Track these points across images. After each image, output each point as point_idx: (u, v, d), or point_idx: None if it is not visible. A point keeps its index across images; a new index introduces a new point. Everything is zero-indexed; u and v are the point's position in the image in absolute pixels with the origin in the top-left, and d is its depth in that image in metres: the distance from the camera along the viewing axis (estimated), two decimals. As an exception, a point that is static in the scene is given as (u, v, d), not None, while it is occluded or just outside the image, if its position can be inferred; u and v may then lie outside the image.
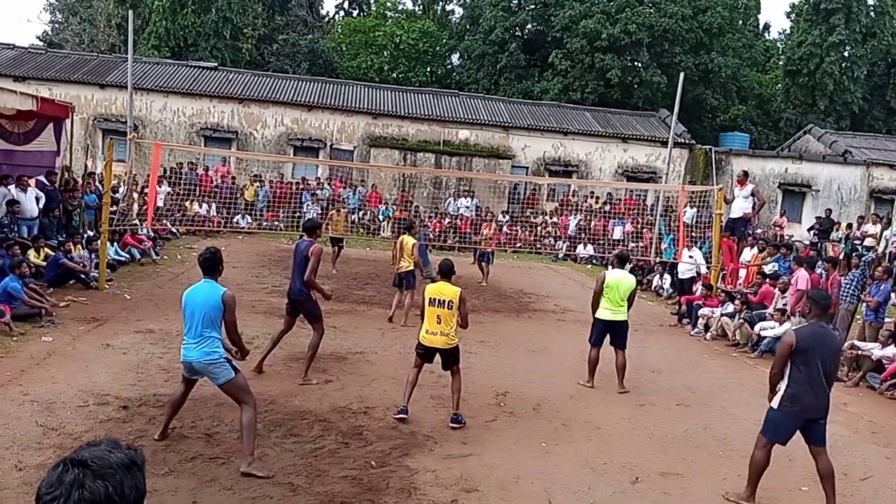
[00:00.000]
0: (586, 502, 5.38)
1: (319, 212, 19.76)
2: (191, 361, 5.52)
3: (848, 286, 11.49)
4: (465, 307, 6.83)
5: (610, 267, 9.64)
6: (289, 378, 7.83)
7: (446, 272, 6.98)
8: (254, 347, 8.41)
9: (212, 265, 5.64)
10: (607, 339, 8.56)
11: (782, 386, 5.42)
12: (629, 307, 8.57)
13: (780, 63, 39.74)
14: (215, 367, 5.47)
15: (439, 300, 6.76)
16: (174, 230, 18.62)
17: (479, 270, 16.40)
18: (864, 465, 6.73)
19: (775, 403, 5.45)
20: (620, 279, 8.51)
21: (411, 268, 11.36)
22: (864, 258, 13.36)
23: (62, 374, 7.27)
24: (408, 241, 11.42)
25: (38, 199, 13.09)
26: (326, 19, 46.50)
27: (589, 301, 8.92)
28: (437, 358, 6.93)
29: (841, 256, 14.97)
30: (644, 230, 21.55)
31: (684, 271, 15.02)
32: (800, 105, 35.90)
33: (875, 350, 10.00)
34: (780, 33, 46.27)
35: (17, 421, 5.96)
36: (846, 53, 34.32)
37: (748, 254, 14.97)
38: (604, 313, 8.47)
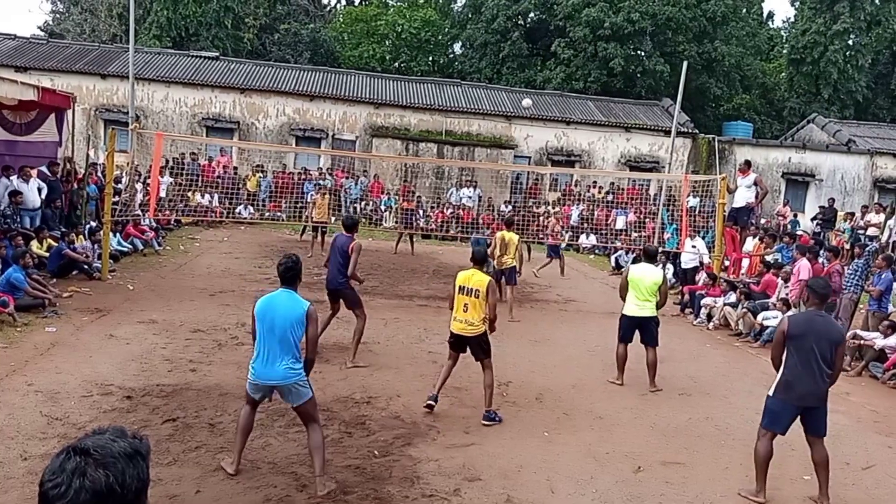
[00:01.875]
0: (588, 491, 5.40)
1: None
2: (274, 382, 5.04)
3: (851, 276, 11.46)
4: (493, 297, 6.64)
5: (630, 260, 9.61)
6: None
7: (479, 260, 6.86)
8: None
9: (293, 275, 5.22)
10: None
11: (778, 373, 5.45)
12: (662, 304, 8.26)
13: (784, 52, 39.50)
14: (300, 386, 5.05)
15: (468, 289, 6.64)
16: (178, 219, 18.64)
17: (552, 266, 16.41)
18: (866, 455, 6.74)
19: (771, 391, 5.48)
20: (645, 273, 8.22)
21: (514, 264, 11.70)
22: (867, 248, 13.33)
23: (66, 365, 7.29)
24: (512, 237, 11.73)
25: (39, 190, 13.10)
26: (328, 8, 46.29)
27: (592, 291, 8.92)
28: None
29: (846, 246, 14.94)
30: (647, 220, 21.52)
31: (687, 261, 15.02)
32: (803, 94, 35.72)
33: (878, 339, 10.00)
34: (784, 21, 45.88)
35: (21, 411, 5.98)
36: (850, 42, 34.09)
37: (751, 243, 14.95)
38: (630, 309, 8.24)
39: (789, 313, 5.97)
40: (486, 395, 6.71)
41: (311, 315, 5.06)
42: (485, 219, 22.03)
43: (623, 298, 8.38)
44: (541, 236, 22.13)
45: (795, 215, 24.04)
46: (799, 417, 5.45)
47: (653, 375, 8.22)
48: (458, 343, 6.82)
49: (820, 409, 5.44)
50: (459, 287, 6.71)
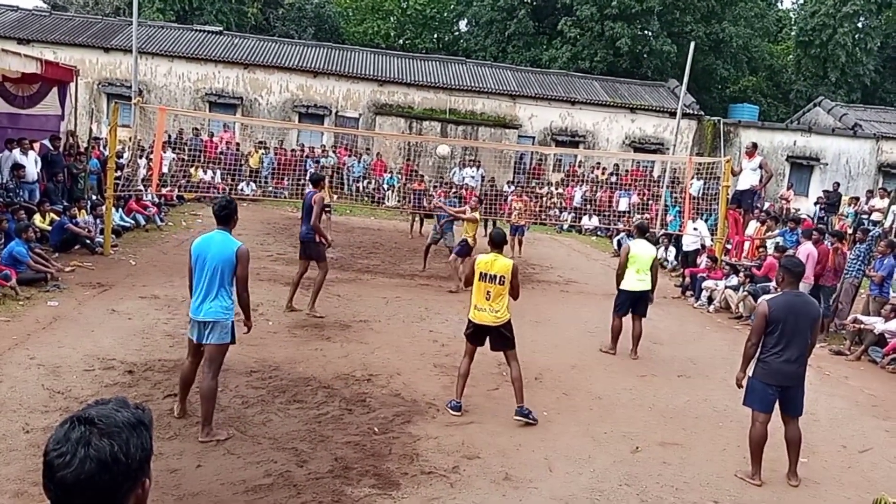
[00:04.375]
0: (586, 470, 5.44)
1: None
2: (200, 317, 5.26)
3: (853, 260, 11.45)
4: (517, 279, 6.27)
5: (628, 238, 9.78)
6: (293, 345, 7.89)
7: (498, 242, 6.43)
8: (258, 314, 8.48)
9: (227, 214, 5.38)
10: None
11: (756, 354, 5.48)
12: (655, 278, 8.81)
13: (792, 34, 39.07)
14: (222, 327, 5.27)
15: (491, 275, 6.20)
16: (180, 195, 18.62)
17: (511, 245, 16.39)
18: (863, 438, 6.78)
19: (751, 371, 5.53)
20: (644, 250, 8.75)
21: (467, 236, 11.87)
22: (870, 233, 13.29)
23: (68, 339, 7.33)
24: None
25: (35, 162, 13.05)
26: (333, -16, 45.82)
27: (594, 273, 8.97)
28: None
29: (850, 231, 14.90)
30: (650, 202, 21.45)
31: (689, 243, 15.00)
32: (811, 77, 35.40)
33: (878, 324, 10.01)
34: (793, 3, 45.39)
35: (23, 384, 6.02)
36: (860, 24, 33.69)
37: (753, 227, 14.91)
38: (631, 284, 8.65)
39: (766, 297, 5.93)
40: (515, 390, 6.18)
41: (241, 255, 5.24)
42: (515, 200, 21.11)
43: (620, 277, 8.72)
44: (542, 217, 22.16)
45: (787, 200, 23.79)
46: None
47: (637, 344, 8.71)
48: (477, 334, 6.32)
49: (798, 389, 5.51)
50: (481, 274, 6.23)
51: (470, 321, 6.35)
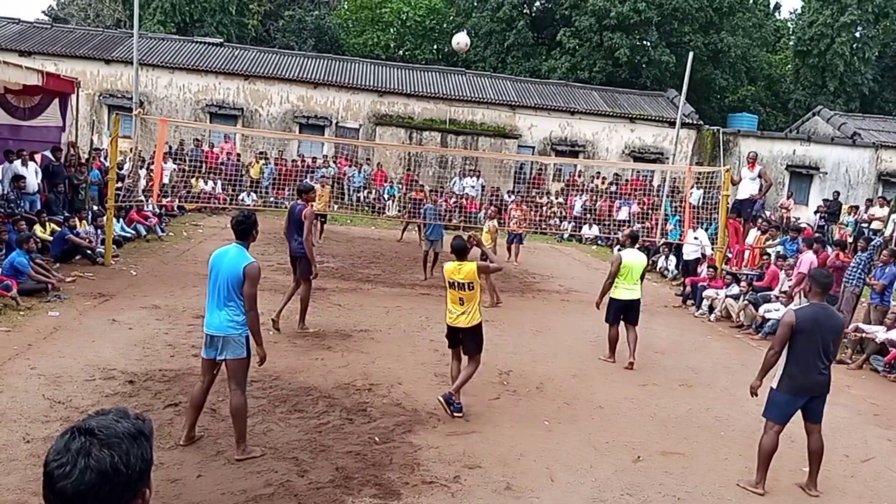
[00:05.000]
0: (588, 480, 5.42)
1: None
2: (213, 331, 5.14)
3: (854, 269, 11.45)
4: (485, 272, 7.03)
5: (619, 247, 9.79)
6: (294, 354, 7.88)
7: (458, 250, 6.62)
8: (260, 324, 8.45)
9: (244, 229, 5.25)
10: None
11: (781, 365, 5.44)
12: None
13: (791, 43, 39.23)
14: (236, 341, 5.14)
15: (458, 283, 6.51)
16: (181, 206, 18.63)
17: (507, 252, 16.48)
18: (865, 447, 6.76)
19: (775, 383, 5.48)
20: (636, 259, 8.85)
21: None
22: (872, 242, 13.30)
23: (69, 349, 7.32)
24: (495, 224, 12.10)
25: (35, 173, 13.08)
26: (333, -5, 46.07)
27: (595, 281, 9.01)
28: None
29: (850, 239, 14.90)
30: (650, 211, 21.46)
31: (689, 253, 15.00)
32: (809, 86, 35.52)
33: (879, 333, 9.99)
34: (790, 13, 45.62)
35: (24, 394, 6.02)
36: (858, 34, 33.83)
37: (753, 236, 14.91)
38: (622, 293, 8.73)
39: (793, 306, 5.95)
40: (460, 380, 6.49)
41: (248, 272, 5.09)
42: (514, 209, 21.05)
43: (609, 284, 8.79)
44: (542, 227, 22.16)
45: (787, 209, 23.78)
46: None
47: (634, 349, 8.66)
48: (454, 337, 6.69)
49: (823, 399, 5.50)
50: (450, 283, 6.59)
51: (447, 325, 6.75)
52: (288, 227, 8.99)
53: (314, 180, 21.08)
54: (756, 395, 5.65)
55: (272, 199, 21.54)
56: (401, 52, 38.22)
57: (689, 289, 13.61)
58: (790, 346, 5.37)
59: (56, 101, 14.10)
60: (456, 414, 6.41)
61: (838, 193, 23.46)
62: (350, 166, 23.76)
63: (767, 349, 5.59)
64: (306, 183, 9.79)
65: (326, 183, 17.68)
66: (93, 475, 1.49)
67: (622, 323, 8.87)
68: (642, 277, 8.94)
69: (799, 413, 5.51)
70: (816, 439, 5.53)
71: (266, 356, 5.35)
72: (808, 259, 11.43)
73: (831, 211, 21.91)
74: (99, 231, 12.59)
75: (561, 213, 23.66)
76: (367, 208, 22.37)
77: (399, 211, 22.10)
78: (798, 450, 6.07)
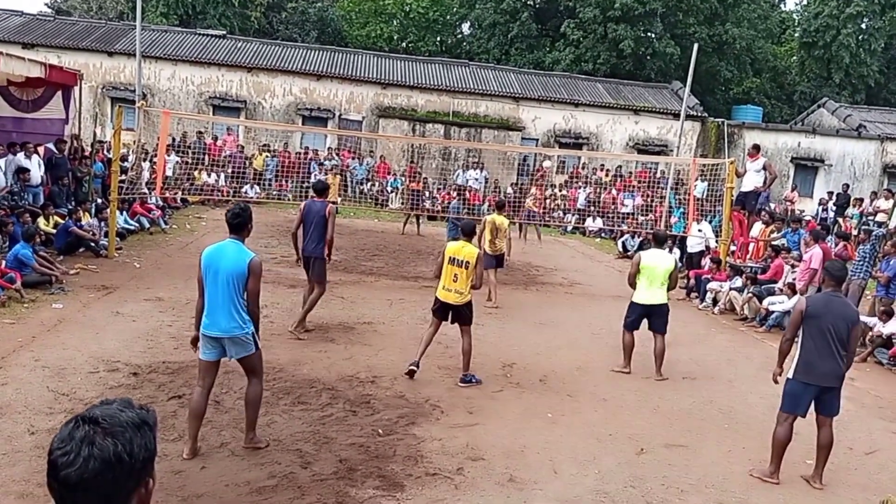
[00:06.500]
0: (591, 472, 5.42)
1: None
2: (218, 333, 4.93)
3: (859, 262, 11.41)
4: (480, 267, 7.09)
5: (638, 247, 9.58)
6: (297, 346, 7.89)
7: (468, 232, 7.35)
8: (263, 316, 8.45)
9: (240, 222, 5.10)
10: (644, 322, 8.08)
11: (795, 355, 5.49)
12: (672, 287, 8.05)
13: (796, 35, 39.04)
14: (244, 339, 5.00)
15: (458, 260, 7.02)
16: (184, 198, 18.65)
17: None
18: (869, 440, 6.75)
19: (790, 373, 5.51)
20: (658, 260, 7.93)
21: (504, 249, 11.37)
22: (873, 233, 13.25)
23: (73, 341, 7.34)
24: (503, 221, 11.31)
25: (39, 166, 13.10)
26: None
27: (598, 274, 8.92)
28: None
29: (854, 232, 14.85)
30: (654, 203, 21.40)
31: (693, 245, 14.95)
32: (814, 78, 35.36)
33: (878, 325, 9.99)
34: (796, 4, 45.28)
35: (28, 386, 6.03)
36: (863, 25, 33.66)
37: (758, 228, 14.86)
38: (641, 296, 7.93)
39: (806, 294, 6.03)
40: (464, 360, 7.10)
41: (253, 267, 4.93)
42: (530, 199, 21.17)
43: (632, 286, 8.05)
44: (546, 219, 22.14)
45: (792, 202, 23.67)
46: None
47: (660, 364, 7.97)
48: (442, 310, 7.15)
49: (836, 389, 5.51)
50: (450, 258, 7.07)
51: (437, 299, 7.20)
52: (302, 226, 8.44)
53: (322, 171, 21.14)
54: (778, 383, 5.70)
55: (275, 191, 21.54)
56: (404, 44, 38.13)
57: (692, 281, 13.58)
58: (803, 332, 5.45)
59: (59, 93, 14.10)
60: (468, 384, 7.01)
61: (847, 186, 23.36)
62: (353, 159, 23.74)
63: (782, 336, 5.75)
64: (322, 181, 9.35)
65: (337, 173, 17.65)
66: (96, 463, 1.49)
67: (650, 332, 8.06)
68: (672, 281, 7.97)
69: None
70: (826, 433, 5.54)
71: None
72: (817, 255, 11.21)
73: (840, 203, 21.82)
74: (102, 223, 12.60)
75: (564, 205, 23.62)
76: (370, 201, 22.35)
77: (402, 203, 22.10)
78: (802, 442, 6.06)
